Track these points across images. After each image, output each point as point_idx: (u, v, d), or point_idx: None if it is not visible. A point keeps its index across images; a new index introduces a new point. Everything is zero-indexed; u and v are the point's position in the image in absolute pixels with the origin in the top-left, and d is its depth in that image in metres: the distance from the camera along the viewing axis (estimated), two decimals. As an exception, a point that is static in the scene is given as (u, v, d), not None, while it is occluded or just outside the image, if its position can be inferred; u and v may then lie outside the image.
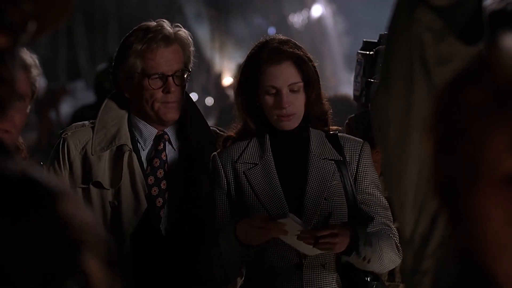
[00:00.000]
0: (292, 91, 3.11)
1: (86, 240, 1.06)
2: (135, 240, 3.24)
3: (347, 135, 3.29)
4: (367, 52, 3.50)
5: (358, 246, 2.98)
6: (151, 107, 3.28)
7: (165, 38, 3.25)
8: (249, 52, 3.21)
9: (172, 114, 3.29)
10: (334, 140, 3.21)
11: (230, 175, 3.18)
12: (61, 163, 3.27)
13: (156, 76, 3.26)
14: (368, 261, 3.04)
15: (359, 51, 3.57)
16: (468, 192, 1.06)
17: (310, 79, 3.12)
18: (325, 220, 3.10)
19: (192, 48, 3.36)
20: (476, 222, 1.06)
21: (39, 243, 1.01)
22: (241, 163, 3.18)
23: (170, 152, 3.34)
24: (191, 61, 3.37)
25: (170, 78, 3.26)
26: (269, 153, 3.17)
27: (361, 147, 3.21)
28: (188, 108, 3.41)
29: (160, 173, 3.31)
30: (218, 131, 3.45)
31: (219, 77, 26.79)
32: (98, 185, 3.26)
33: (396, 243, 3.15)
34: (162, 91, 3.26)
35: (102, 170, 3.26)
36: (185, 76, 3.32)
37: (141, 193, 3.25)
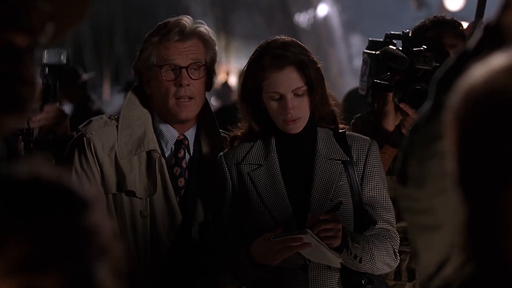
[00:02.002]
0: (296, 95, 3.10)
1: (108, 251, 1.08)
2: (170, 252, 3.17)
3: (355, 134, 3.25)
4: (373, 52, 3.49)
5: (347, 243, 2.97)
6: (166, 103, 3.17)
7: (181, 32, 3.17)
8: (251, 56, 3.19)
9: (186, 113, 3.18)
10: (341, 139, 3.19)
11: (235, 176, 3.16)
12: (91, 166, 3.13)
13: (169, 67, 3.17)
14: (360, 261, 3.02)
15: (365, 50, 3.56)
16: (497, 189, 1.05)
17: (314, 83, 3.11)
18: None
19: (216, 50, 3.26)
20: (502, 218, 1.05)
21: (66, 249, 1.04)
22: (245, 164, 3.16)
23: (188, 158, 3.25)
24: (215, 62, 3.28)
25: (184, 70, 3.16)
26: (274, 154, 3.15)
27: (369, 146, 3.18)
28: (205, 112, 3.32)
29: (181, 182, 3.22)
30: (228, 137, 3.39)
31: (225, 76, 26.81)
32: (131, 193, 3.15)
33: (393, 247, 3.14)
34: (175, 85, 3.16)
35: (135, 178, 3.15)
36: (204, 72, 3.21)
37: (175, 203, 3.16)
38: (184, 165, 3.23)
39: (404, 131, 3.43)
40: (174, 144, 3.24)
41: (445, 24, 3.63)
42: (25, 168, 1.07)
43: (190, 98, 3.18)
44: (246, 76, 3.16)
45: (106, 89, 21.24)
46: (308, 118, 3.14)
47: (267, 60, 3.10)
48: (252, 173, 3.14)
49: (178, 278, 3.19)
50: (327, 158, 3.14)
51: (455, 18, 3.72)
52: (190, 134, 3.27)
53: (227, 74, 26.52)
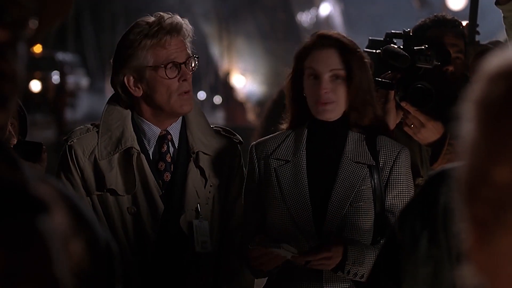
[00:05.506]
0: (333, 79, 3.07)
1: (65, 251, 1.06)
2: (159, 246, 3.20)
3: (388, 139, 3.17)
4: (373, 51, 3.50)
5: (343, 267, 2.96)
6: (167, 101, 3.22)
7: (172, 27, 3.22)
8: None
9: (188, 106, 3.24)
10: (372, 143, 3.14)
11: (262, 169, 3.16)
12: (72, 171, 3.22)
13: (172, 64, 3.21)
14: (361, 277, 3.00)
15: (365, 49, 3.57)
16: (494, 231, 1.04)
17: (354, 71, 3.06)
18: (346, 226, 3.04)
19: (190, 38, 3.31)
20: (496, 261, 1.06)
21: (27, 257, 1.02)
22: (274, 158, 3.14)
23: (173, 152, 3.30)
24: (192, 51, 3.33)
25: (183, 66, 3.22)
26: (302, 151, 3.13)
27: (398, 153, 3.11)
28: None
29: (167, 176, 3.26)
30: (222, 131, 3.43)
31: (227, 75, 26.81)
32: (113, 192, 3.21)
33: None
34: (178, 80, 3.22)
35: (115, 177, 3.21)
36: (193, 64, 3.28)
37: (157, 196, 3.21)
38: (168, 159, 3.27)
39: (405, 129, 3.45)
40: (157, 140, 3.29)
41: (446, 23, 3.64)
42: None
43: (190, 90, 3.25)
44: (294, 58, 3.18)
45: (109, 90, 21.27)
46: (342, 107, 3.10)
47: (312, 39, 3.13)
48: (278, 169, 3.13)
49: (167, 269, 3.22)
50: (353, 161, 3.09)
51: (456, 17, 3.73)
52: (174, 128, 3.31)
53: (229, 73, 26.49)
